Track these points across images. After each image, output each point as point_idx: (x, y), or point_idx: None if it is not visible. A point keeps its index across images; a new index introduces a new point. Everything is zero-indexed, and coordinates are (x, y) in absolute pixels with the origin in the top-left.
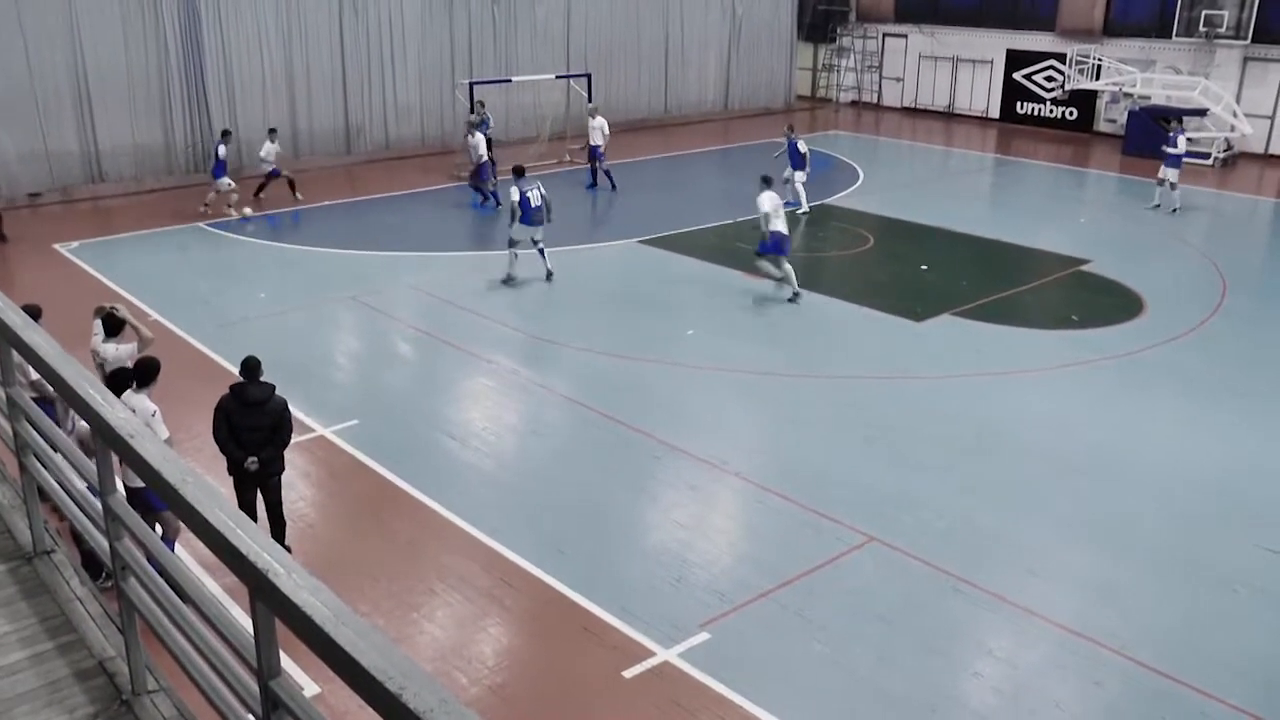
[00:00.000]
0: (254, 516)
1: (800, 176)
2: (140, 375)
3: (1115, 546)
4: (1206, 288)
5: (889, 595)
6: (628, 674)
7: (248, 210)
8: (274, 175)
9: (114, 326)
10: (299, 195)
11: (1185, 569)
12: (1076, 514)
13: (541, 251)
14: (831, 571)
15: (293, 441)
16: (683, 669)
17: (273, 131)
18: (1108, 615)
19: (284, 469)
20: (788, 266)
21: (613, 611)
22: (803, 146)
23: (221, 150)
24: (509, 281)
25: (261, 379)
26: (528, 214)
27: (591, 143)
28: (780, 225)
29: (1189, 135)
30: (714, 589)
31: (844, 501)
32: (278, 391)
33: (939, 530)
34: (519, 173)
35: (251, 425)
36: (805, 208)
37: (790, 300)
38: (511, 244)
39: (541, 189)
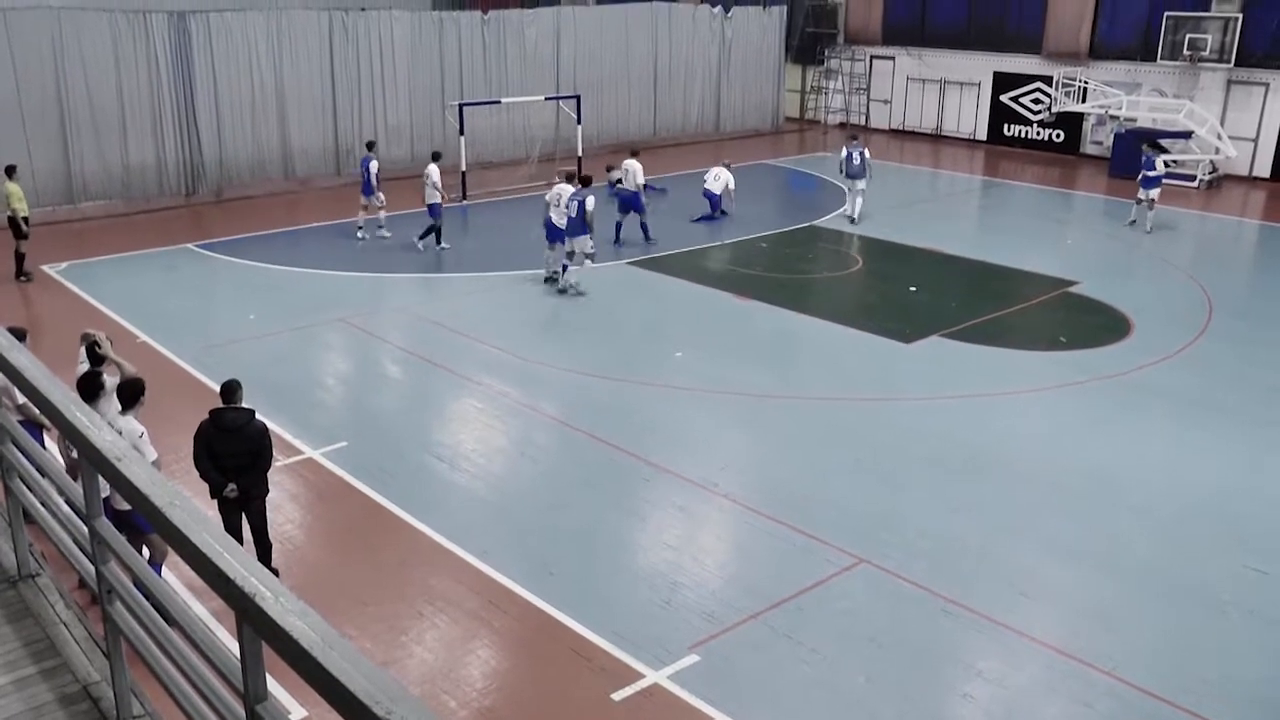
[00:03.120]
0: (239, 540)
1: (860, 184)
2: (126, 397)
3: (1105, 567)
4: (1193, 309)
5: (879, 617)
6: (617, 696)
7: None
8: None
9: (96, 359)
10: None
11: (1175, 590)
12: (1066, 535)
13: (565, 268)
14: (821, 593)
15: (281, 464)
16: (672, 691)
17: (437, 155)
18: (1098, 636)
19: (268, 491)
20: None
21: (602, 633)
22: (860, 156)
23: (373, 166)
24: (568, 290)
25: (241, 403)
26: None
27: (635, 184)
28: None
29: (1171, 158)
30: (703, 611)
31: (833, 523)
32: (260, 415)
33: (928, 552)
34: (587, 183)
35: (231, 451)
36: (855, 216)
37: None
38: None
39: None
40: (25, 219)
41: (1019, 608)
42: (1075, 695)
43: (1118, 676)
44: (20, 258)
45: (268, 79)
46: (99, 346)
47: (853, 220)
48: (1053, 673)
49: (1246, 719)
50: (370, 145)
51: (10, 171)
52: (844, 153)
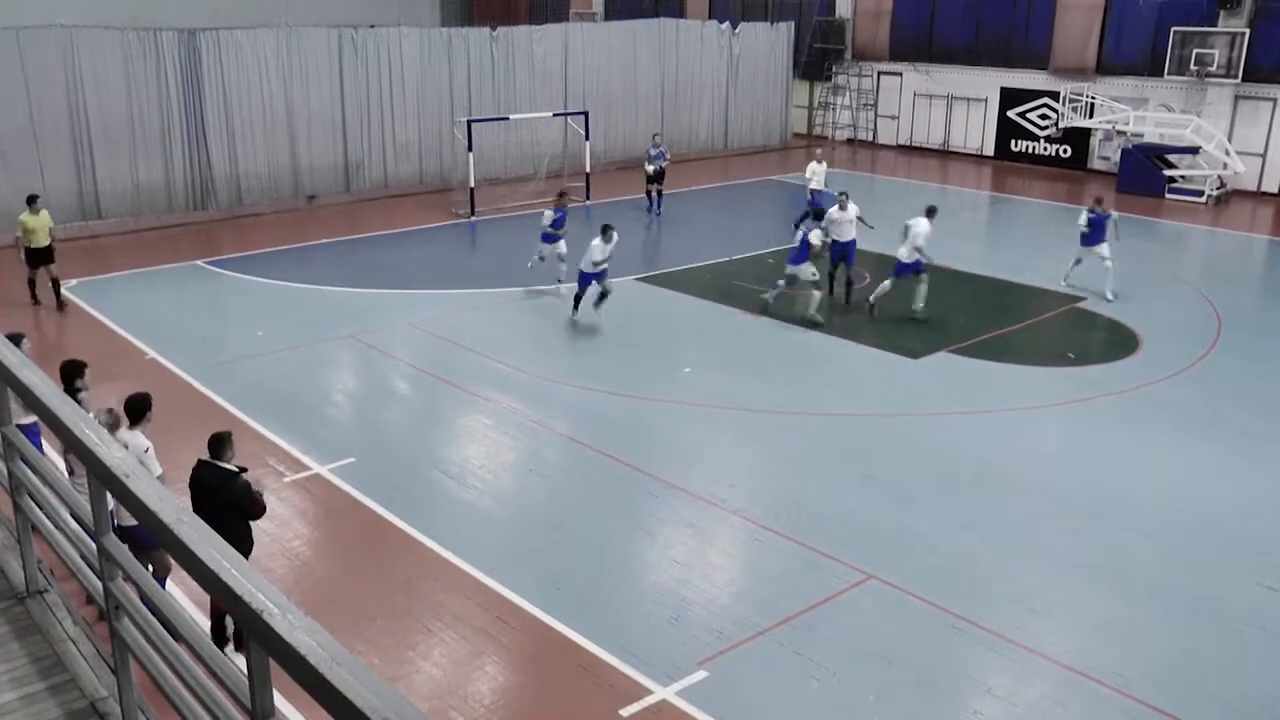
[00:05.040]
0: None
1: (1105, 249)
2: (132, 412)
3: (1115, 583)
4: (1202, 324)
5: (888, 633)
6: (625, 713)
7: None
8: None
9: (72, 391)
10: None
11: (1185, 606)
12: (1076, 551)
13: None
14: (830, 609)
15: (288, 479)
16: (681, 707)
17: (607, 229)
18: (1108, 653)
19: (252, 548)
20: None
21: (610, 650)
22: (1112, 218)
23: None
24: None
25: (229, 457)
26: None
27: (813, 188)
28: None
29: (1183, 172)
30: (712, 627)
31: (842, 539)
32: (268, 430)
33: (938, 567)
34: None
35: (211, 512)
36: (1110, 295)
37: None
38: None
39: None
40: (41, 248)
41: (1029, 624)
42: (1086, 712)
43: (1128, 694)
44: (54, 284)
45: (278, 96)
46: (78, 381)
47: (1111, 299)
48: (1063, 690)
49: None
50: (561, 195)
51: (30, 201)
52: (1084, 218)
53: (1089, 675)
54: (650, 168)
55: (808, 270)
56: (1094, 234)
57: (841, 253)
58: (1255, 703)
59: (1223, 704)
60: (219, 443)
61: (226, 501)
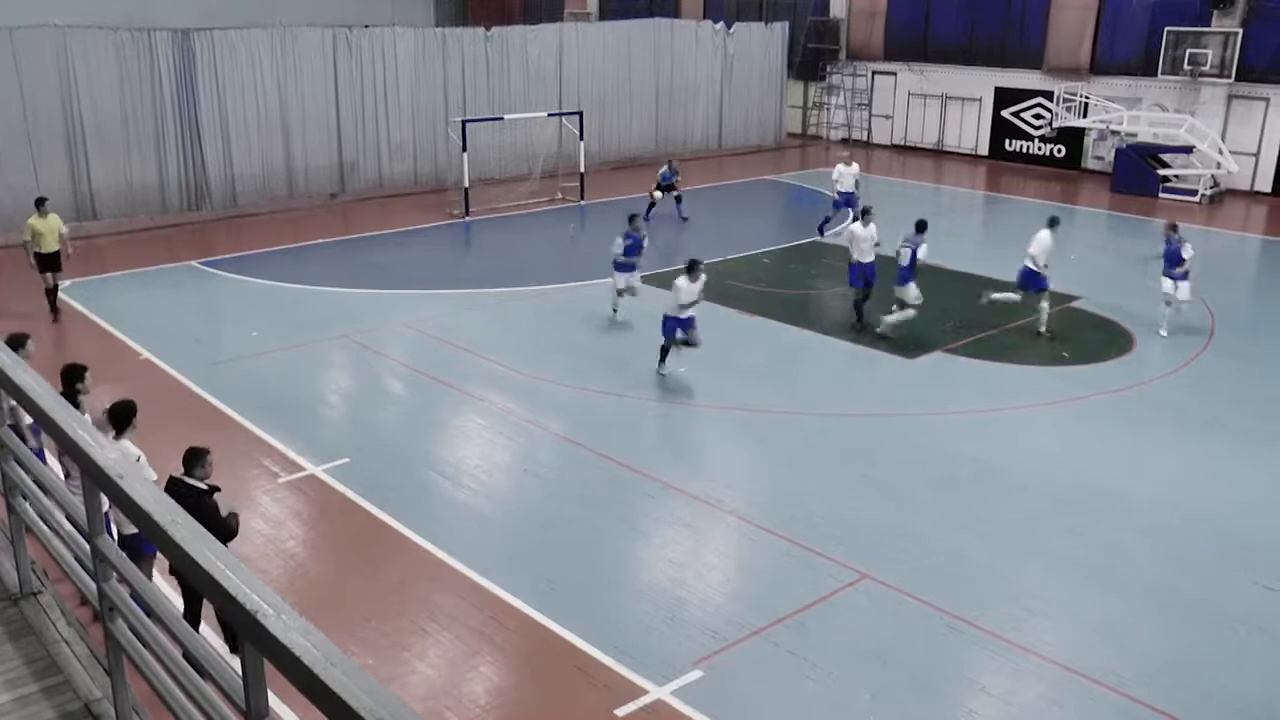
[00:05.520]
0: (196, 626)
1: (1184, 291)
2: (118, 421)
3: (1111, 583)
4: (1196, 323)
5: (883, 632)
6: (620, 712)
7: None
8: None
9: (72, 394)
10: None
11: (1182, 605)
12: (1072, 550)
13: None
14: (825, 609)
15: (283, 480)
16: (676, 707)
17: (694, 265)
18: (1104, 652)
19: None
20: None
21: (605, 650)
22: (1187, 251)
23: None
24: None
25: (203, 474)
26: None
27: (842, 189)
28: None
29: (1177, 172)
30: (707, 627)
31: (838, 538)
32: (263, 431)
33: (933, 567)
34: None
35: None
36: (1164, 332)
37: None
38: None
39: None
40: (49, 254)
41: (1025, 624)
42: (1082, 712)
43: (1125, 693)
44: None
45: (272, 96)
46: (81, 381)
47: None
48: (1059, 690)
49: None
50: (633, 219)
51: (38, 204)
52: (1167, 246)
53: (1086, 675)
54: (658, 193)
55: (913, 292)
56: (1169, 265)
57: (862, 275)
58: (1252, 702)
59: (1219, 703)
60: (193, 458)
61: (198, 518)
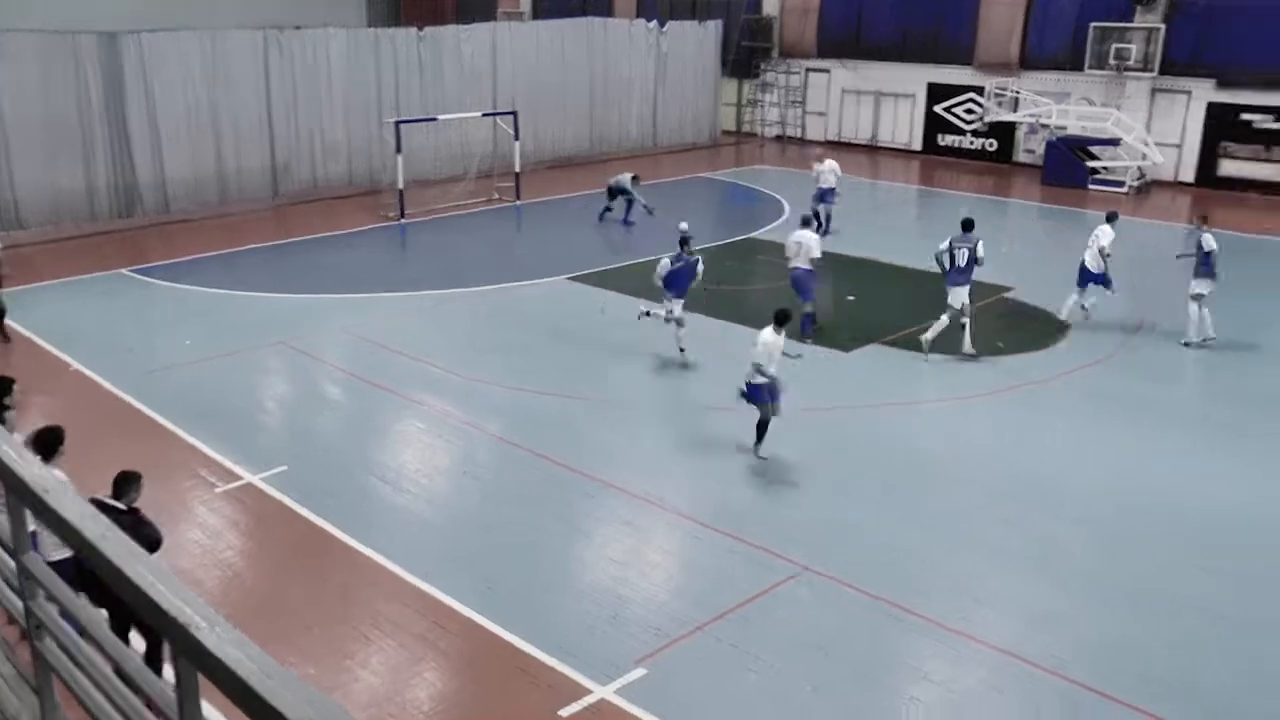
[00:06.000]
0: (125, 639)
1: (1205, 286)
2: (44, 448)
3: (1049, 569)
4: (1126, 312)
5: (824, 624)
6: (564, 713)
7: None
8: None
9: None
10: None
11: (1119, 589)
12: (1009, 538)
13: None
14: (767, 602)
15: (220, 490)
16: (620, 706)
17: (785, 317)
18: (1044, 637)
19: None
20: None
21: (548, 650)
22: (1210, 243)
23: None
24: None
25: (132, 497)
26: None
27: (823, 185)
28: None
29: (1105, 164)
30: (649, 624)
31: (777, 532)
32: (198, 440)
33: (873, 558)
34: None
35: None
36: (1209, 334)
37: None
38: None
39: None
40: None
41: (965, 612)
42: (1022, 695)
43: (1064, 675)
44: None
45: (203, 99)
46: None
47: (1205, 340)
48: (1000, 675)
49: (1194, 714)
50: (684, 242)
51: None
52: (1209, 245)
53: (1025, 659)
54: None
55: (963, 295)
56: (1203, 264)
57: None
58: (1190, 681)
59: (1163, 685)
60: (124, 482)
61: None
